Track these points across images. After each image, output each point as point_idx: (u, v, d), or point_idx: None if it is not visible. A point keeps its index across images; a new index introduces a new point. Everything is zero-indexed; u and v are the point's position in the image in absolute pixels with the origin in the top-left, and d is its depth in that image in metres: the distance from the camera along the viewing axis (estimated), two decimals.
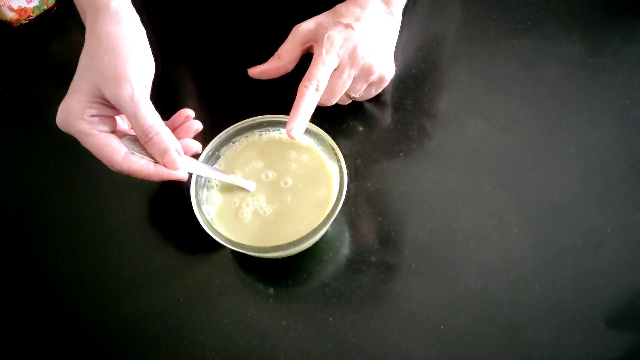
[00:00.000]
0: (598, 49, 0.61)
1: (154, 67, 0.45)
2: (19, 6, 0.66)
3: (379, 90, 0.55)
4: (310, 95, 0.48)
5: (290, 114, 0.47)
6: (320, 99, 0.50)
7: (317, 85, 0.48)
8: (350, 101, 0.55)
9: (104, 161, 0.43)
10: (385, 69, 0.53)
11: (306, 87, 0.48)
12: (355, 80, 0.51)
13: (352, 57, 0.50)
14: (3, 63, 0.67)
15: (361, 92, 0.54)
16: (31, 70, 0.67)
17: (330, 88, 0.50)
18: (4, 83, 0.65)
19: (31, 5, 0.67)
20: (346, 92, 0.53)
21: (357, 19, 0.52)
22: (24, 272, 0.50)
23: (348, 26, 0.51)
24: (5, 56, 0.68)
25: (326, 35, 0.50)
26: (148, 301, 0.48)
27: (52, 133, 0.57)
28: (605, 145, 0.54)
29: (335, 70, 0.50)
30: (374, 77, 0.52)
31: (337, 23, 0.52)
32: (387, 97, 0.59)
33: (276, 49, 0.56)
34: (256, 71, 0.54)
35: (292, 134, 0.47)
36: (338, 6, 0.54)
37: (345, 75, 0.50)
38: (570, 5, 0.64)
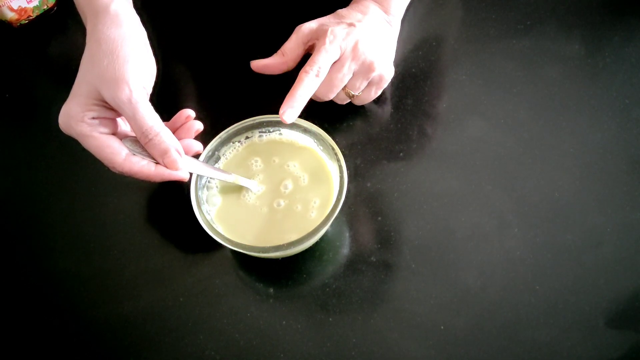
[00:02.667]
0: (598, 49, 0.61)
1: (154, 68, 0.45)
2: (19, 6, 0.66)
3: (378, 93, 0.55)
4: (309, 81, 0.48)
5: (286, 98, 0.48)
6: (318, 92, 0.51)
7: (318, 72, 0.49)
8: (348, 100, 0.55)
9: (105, 163, 0.43)
10: (385, 69, 0.53)
11: (306, 72, 0.49)
12: (355, 76, 0.52)
13: (354, 50, 0.50)
14: (3, 63, 0.67)
15: (360, 90, 0.54)
16: (31, 70, 0.67)
17: (329, 80, 0.51)
18: (4, 83, 0.65)
19: (31, 5, 0.67)
20: (345, 88, 0.53)
21: (359, 20, 0.53)
22: (24, 272, 0.51)
23: (351, 25, 0.52)
24: (5, 56, 0.68)
25: (330, 29, 0.51)
26: (148, 301, 0.48)
27: (52, 133, 0.57)
28: (605, 145, 0.54)
29: (335, 62, 0.50)
30: (374, 74, 0.52)
31: (339, 23, 0.53)
32: (387, 97, 0.58)
33: (277, 50, 0.56)
34: (259, 65, 0.55)
35: (285, 117, 0.47)
36: (340, 10, 0.55)
37: (345, 69, 0.50)
38: (570, 5, 0.64)
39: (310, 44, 0.54)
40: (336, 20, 0.53)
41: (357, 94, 0.54)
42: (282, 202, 0.48)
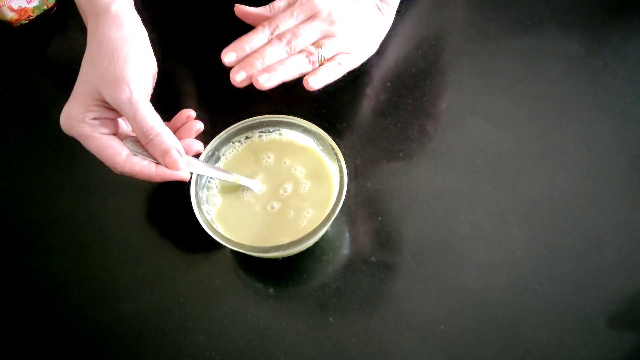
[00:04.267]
0: (598, 49, 0.61)
1: (155, 69, 0.45)
2: (19, 6, 0.66)
3: (339, 71, 0.51)
4: (262, 35, 0.49)
5: (233, 42, 0.49)
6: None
7: (274, 30, 0.49)
8: (305, 68, 0.51)
9: (106, 163, 0.43)
10: (356, 44, 0.52)
11: (263, 26, 0.50)
12: (319, 33, 0.51)
13: (329, 14, 0.51)
14: (3, 63, 0.67)
15: (320, 54, 0.51)
16: (31, 70, 0.67)
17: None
18: (4, 83, 0.65)
19: (31, 5, 0.67)
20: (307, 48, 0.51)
21: None
22: (24, 272, 0.51)
23: None
24: (5, 56, 0.68)
25: None
26: (148, 301, 0.48)
27: (52, 133, 0.57)
28: (605, 145, 0.54)
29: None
30: (330, 42, 0.51)
31: None
32: (387, 97, 0.58)
33: None
34: (243, 11, 0.54)
35: (225, 58, 0.48)
36: None
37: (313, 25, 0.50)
38: (570, 5, 0.64)
39: None
40: None
41: (315, 53, 0.50)
42: (276, 205, 0.48)
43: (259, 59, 0.48)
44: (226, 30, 0.66)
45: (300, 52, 0.49)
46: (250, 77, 0.47)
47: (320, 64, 0.50)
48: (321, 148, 0.50)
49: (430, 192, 0.52)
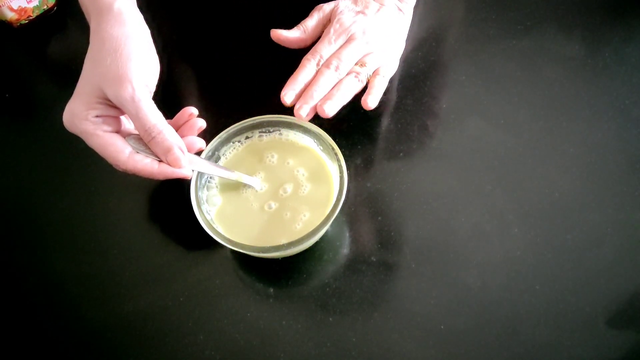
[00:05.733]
0: (598, 49, 0.61)
1: (158, 67, 0.45)
2: (19, 6, 0.66)
3: (378, 88, 0.53)
4: (310, 67, 0.52)
5: (288, 81, 0.51)
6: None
7: (319, 60, 0.52)
8: (356, 87, 0.53)
9: (109, 160, 0.43)
10: (385, 60, 0.54)
11: (308, 60, 0.52)
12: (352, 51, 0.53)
13: (363, 34, 0.53)
14: (3, 63, 0.67)
15: (347, 61, 0.53)
16: (31, 70, 0.67)
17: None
18: (4, 83, 0.65)
19: (31, 5, 0.67)
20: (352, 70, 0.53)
21: (371, 10, 0.55)
22: (24, 272, 0.50)
23: (360, 12, 0.54)
24: (5, 56, 0.68)
25: (337, 18, 0.54)
26: (148, 301, 0.48)
27: (52, 133, 0.58)
28: (605, 145, 0.54)
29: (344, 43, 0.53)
30: (370, 59, 0.53)
31: (352, 10, 0.55)
32: (387, 97, 0.58)
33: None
34: (280, 36, 0.56)
35: (286, 99, 0.50)
36: None
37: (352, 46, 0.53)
38: (570, 5, 0.64)
39: (326, 25, 0.56)
40: (350, 6, 0.55)
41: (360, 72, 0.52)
42: (274, 205, 0.48)
43: (316, 90, 0.50)
44: (227, 30, 0.66)
45: (348, 74, 0.52)
46: (314, 108, 0.50)
47: (367, 81, 0.53)
48: (321, 148, 0.50)
49: (430, 192, 0.52)
